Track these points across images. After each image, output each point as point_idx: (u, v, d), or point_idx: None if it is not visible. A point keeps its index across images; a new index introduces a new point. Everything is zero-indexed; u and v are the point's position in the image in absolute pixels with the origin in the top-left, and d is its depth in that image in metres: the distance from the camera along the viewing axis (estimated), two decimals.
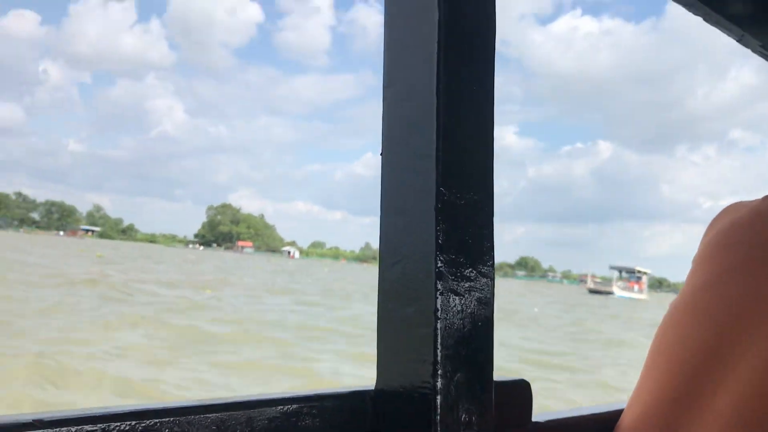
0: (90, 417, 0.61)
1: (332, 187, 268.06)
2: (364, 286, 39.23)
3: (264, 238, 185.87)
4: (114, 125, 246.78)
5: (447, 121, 0.79)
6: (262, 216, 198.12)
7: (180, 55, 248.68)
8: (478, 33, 0.84)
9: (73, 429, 0.59)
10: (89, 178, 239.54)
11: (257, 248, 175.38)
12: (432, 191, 0.78)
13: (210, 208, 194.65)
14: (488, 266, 0.83)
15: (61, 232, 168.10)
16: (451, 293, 0.77)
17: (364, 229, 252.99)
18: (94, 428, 0.60)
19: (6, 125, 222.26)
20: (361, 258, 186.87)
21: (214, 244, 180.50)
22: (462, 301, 0.78)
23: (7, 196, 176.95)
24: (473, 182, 0.82)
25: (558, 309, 38.79)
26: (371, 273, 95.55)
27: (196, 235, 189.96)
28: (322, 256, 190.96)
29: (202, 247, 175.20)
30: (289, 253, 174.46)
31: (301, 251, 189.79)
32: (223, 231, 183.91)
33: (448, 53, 0.79)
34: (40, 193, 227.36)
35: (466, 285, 0.79)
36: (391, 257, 0.84)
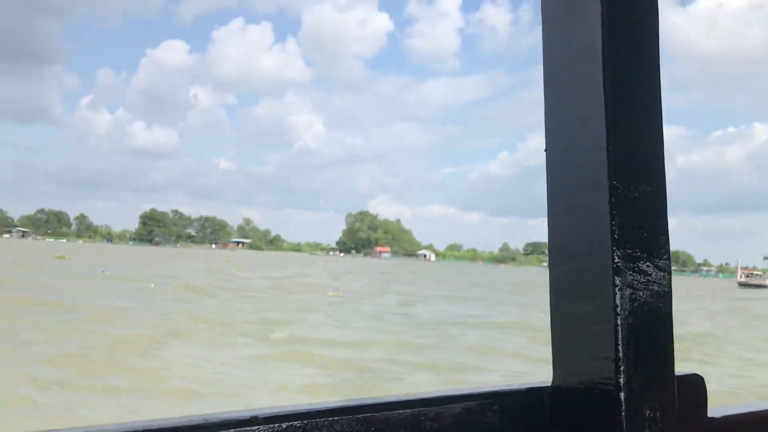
0: (297, 413, 0.66)
1: (468, 188, 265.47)
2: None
3: (401, 242, 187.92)
4: (259, 142, 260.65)
5: (616, 114, 0.79)
6: (398, 221, 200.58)
7: (316, 71, 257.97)
8: (640, 22, 0.84)
9: (284, 425, 0.65)
10: (239, 194, 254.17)
11: (394, 253, 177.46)
12: (605, 186, 0.78)
13: (348, 215, 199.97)
14: (664, 259, 0.82)
15: (213, 245, 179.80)
16: (629, 288, 0.76)
17: (503, 230, 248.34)
18: (300, 424, 0.66)
19: (164, 149, 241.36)
20: (498, 259, 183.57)
21: (353, 251, 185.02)
22: (640, 296, 0.78)
23: (165, 214, 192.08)
24: (645, 174, 0.83)
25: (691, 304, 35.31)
26: (506, 273, 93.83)
27: (337, 243, 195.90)
28: (459, 258, 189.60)
29: (342, 254, 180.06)
30: (425, 256, 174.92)
31: (438, 254, 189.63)
32: (361, 237, 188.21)
33: (613, 45, 0.79)
34: (194, 209, 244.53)
35: (643, 279, 0.79)
36: (562, 255, 0.84)
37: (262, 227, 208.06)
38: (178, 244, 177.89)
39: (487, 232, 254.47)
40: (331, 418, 0.72)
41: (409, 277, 50.14)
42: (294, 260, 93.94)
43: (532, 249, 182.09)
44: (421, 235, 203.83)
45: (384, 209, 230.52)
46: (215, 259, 67.51)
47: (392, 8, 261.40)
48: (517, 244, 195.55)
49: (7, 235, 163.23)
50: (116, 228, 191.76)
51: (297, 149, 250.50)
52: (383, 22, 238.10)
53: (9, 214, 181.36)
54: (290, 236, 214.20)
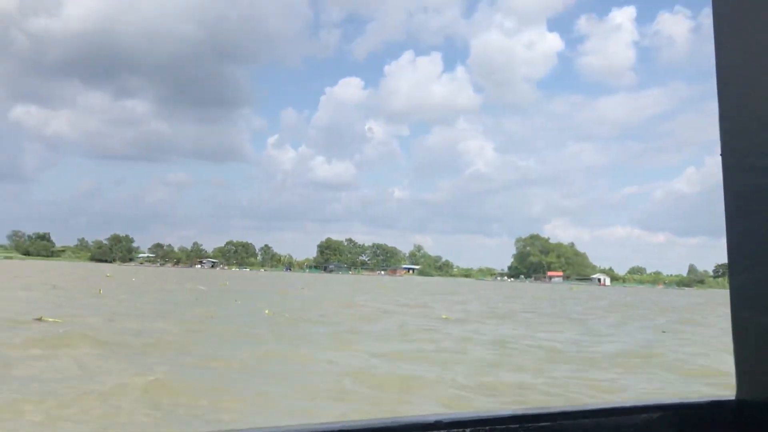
0: (480, 419, 0.66)
1: (652, 208, 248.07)
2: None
3: (574, 266, 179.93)
4: (431, 170, 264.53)
5: None
6: (572, 244, 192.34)
7: (485, 96, 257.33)
8: None
9: (467, 431, 0.65)
10: (413, 221, 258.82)
11: (566, 277, 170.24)
12: None
13: (518, 240, 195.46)
14: None
15: (382, 272, 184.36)
16: None
17: (690, 251, 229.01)
18: (483, 430, 0.65)
19: (343, 181, 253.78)
20: (684, 282, 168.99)
21: (522, 275, 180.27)
22: None
23: (340, 243, 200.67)
24: None
25: None
26: (680, 296, 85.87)
27: (509, 268, 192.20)
28: (641, 282, 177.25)
29: (510, 279, 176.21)
30: (599, 280, 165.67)
31: (617, 278, 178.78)
32: (533, 261, 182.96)
33: None
34: (371, 238, 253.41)
35: None
36: (743, 261, 0.80)
37: (435, 253, 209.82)
38: (350, 271, 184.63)
39: (674, 254, 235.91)
40: (512, 425, 0.71)
41: (547, 303, 47.54)
42: (451, 285, 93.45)
43: (723, 271, 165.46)
44: (599, 259, 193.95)
45: (561, 233, 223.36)
46: (365, 285, 68.73)
47: (561, 27, 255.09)
48: (707, 266, 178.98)
49: (199, 266, 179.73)
50: (299, 257, 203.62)
51: (468, 175, 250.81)
52: (553, 42, 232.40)
53: (203, 246, 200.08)
54: (462, 262, 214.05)
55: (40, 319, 16.54)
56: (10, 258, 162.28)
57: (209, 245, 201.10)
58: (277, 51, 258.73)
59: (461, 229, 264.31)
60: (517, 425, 0.76)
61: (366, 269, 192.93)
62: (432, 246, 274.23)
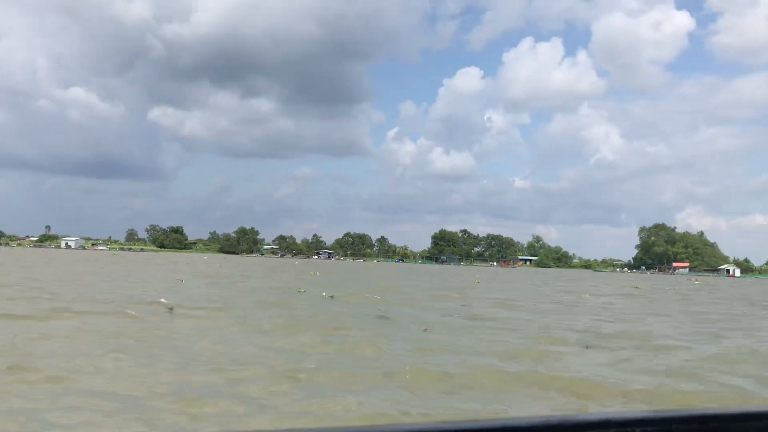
0: (651, 419, 0.65)
1: None
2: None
3: (703, 256, 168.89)
4: (554, 159, 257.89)
5: None
6: (701, 234, 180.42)
7: (610, 81, 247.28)
8: None
9: (637, 430, 0.64)
10: (535, 211, 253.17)
11: (693, 268, 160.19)
12: None
13: (642, 229, 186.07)
14: None
15: (495, 263, 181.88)
16: None
17: None
18: (652, 431, 0.64)
19: (462, 173, 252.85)
20: None
21: (644, 267, 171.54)
22: None
23: (454, 234, 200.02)
24: None
25: None
26: None
27: (633, 259, 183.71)
28: None
29: (631, 270, 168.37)
30: (728, 271, 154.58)
31: (751, 268, 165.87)
32: (657, 252, 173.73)
33: None
34: (491, 229, 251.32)
35: None
36: None
37: (557, 244, 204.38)
38: (462, 263, 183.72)
39: None
40: (680, 426, 0.66)
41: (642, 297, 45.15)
42: (556, 277, 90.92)
43: None
44: (735, 249, 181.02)
45: (695, 222, 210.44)
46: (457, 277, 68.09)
47: (691, 5, 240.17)
48: None
49: (316, 257, 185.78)
50: (416, 248, 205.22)
51: (593, 163, 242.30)
52: (682, 20, 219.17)
53: (323, 238, 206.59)
54: (586, 253, 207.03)
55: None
56: (144, 250, 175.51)
57: (330, 237, 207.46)
58: (395, 45, 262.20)
59: (586, 219, 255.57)
60: (685, 426, 0.68)
61: (480, 260, 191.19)
62: (555, 237, 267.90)
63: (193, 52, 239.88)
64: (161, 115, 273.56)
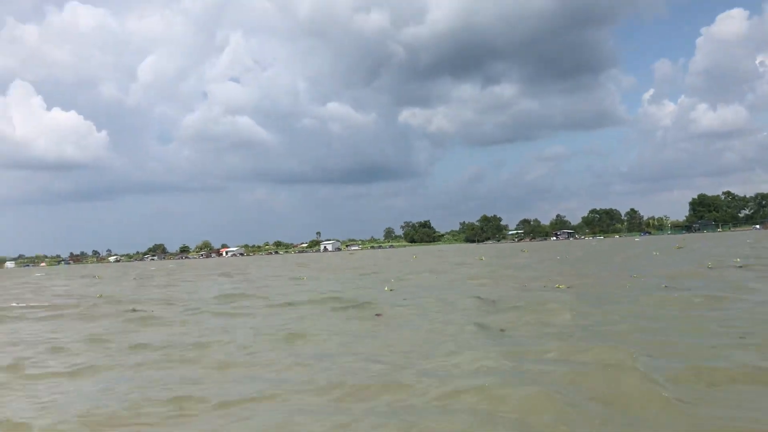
0: None
1: None
2: None
3: None
4: None
5: None
6: None
7: None
8: None
9: None
10: None
11: None
12: None
13: None
14: None
15: (757, 226, 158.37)
16: None
17: None
18: None
19: (733, 127, 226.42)
20: None
21: None
22: None
23: (716, 197, 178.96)
24: None
25: None
26: None
27: None
28: None
29: None
30: None
31: None
32: None
33: None
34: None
35: None
36: None
37: None
38: (718, 229, 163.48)
39: None
40: None
41: None
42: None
43: None
44: None
45: None
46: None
47: None
48: None
49: (554, 238, 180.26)
50: (677, 217, 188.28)
51: None
52: None
53: (566, 218, 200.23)
54: None
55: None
56: (393, 247, 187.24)
57: (573, 218, 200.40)
58: (637, 2, 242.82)
59: None
60: None
61: (743, 224, 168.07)
62: None
63: (432, 51, 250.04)
64: (410, 116, 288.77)
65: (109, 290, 30.94)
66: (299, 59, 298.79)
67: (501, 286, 21.05)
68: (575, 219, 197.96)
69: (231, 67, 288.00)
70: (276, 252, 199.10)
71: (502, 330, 11.59)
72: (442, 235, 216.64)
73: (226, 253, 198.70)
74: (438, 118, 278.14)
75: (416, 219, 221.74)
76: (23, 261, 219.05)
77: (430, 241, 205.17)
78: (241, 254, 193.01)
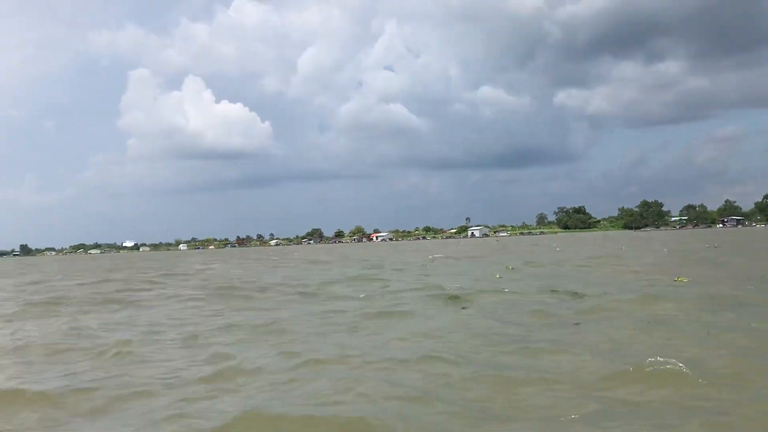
0: None
1: None
2: None
3: None
4: None
5: None
6: None
7: None
8: None
9: None
10: None
11: None
12: None
13: None
14: None
15: None
16: None
17: None
18: None
19: None
20: None
21: None
22: None
23: None
24: None
25: None
26: None
27: None
28: None
29: None
30: None
31: None
32: None
33: None
34: None
35: None
36: None
37: None
38: None
39: None
40: None
41: None
42: None
43: None
44: None
45: None
46: None
47: None
48: None
49: (720, 225, 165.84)
50: None
51: None
52: None
53: (736, 203, 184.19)
54: None
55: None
56: (543, 233, 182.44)
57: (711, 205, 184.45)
58: None
59: None
60: None
61: None
62: None
63: (590, 29, 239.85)
64: (566, 97, 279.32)
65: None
66: (452, 44, 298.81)
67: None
68: (747, 205, 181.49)
69: (385, 56, 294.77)
70: (424, 237, 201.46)
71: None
72: (598, 221, 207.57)
73: (377, 237, 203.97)
74: (596, 99, 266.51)
75: (571, 204, 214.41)
76: (195, 244, 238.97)
77: (585, 227, 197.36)
78: (390, 239, 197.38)
